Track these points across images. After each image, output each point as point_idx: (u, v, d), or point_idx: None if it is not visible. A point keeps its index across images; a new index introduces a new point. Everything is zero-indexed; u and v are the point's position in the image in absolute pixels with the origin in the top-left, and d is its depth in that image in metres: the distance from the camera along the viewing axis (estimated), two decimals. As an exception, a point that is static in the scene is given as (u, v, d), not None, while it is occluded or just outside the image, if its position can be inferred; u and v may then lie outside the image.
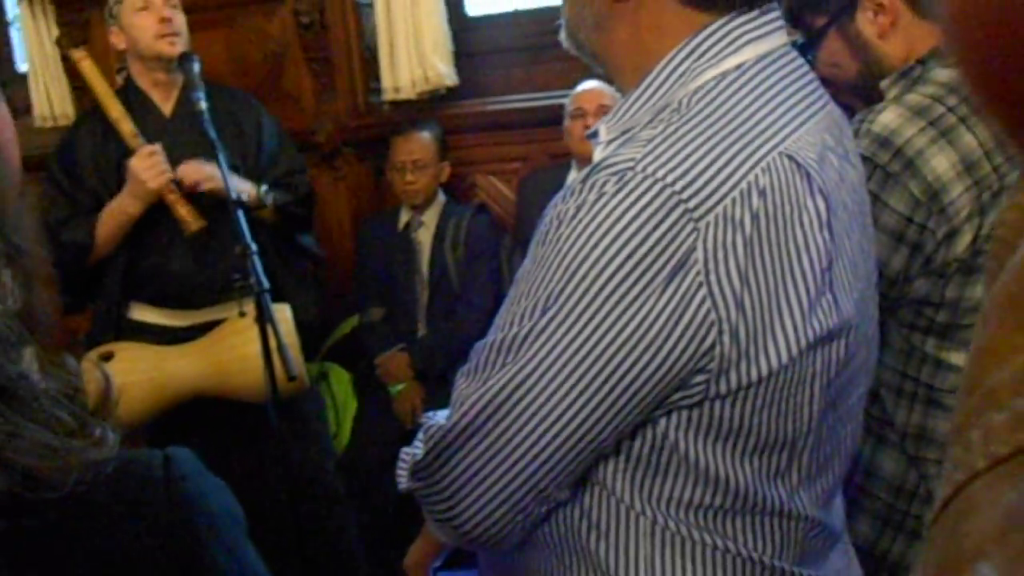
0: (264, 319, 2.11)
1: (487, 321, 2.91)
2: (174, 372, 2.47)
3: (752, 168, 0.84)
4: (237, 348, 2.42)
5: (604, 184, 0.84)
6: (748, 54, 0.90)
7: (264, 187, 2.56)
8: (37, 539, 0.52)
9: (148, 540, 0.55)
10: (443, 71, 3.13)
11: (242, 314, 2.35)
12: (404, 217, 3.05)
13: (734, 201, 0.83)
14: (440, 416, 1.00)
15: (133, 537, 0.55)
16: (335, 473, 2.79)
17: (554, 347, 0.85)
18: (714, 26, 0.90)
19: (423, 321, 3.04)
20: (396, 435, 2.93)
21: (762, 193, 0.84)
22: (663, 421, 0.89)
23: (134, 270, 2.59)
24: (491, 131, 3.22)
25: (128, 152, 2.45)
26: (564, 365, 0.85)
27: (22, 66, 3.93)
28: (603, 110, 2.73)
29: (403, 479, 1.06)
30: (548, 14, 3.14)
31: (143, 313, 2.63)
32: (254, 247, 2.15)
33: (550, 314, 0.85)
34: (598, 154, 0.95)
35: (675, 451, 0.90)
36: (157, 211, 2.47)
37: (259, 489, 2.66)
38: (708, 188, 0.82)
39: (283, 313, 2.40)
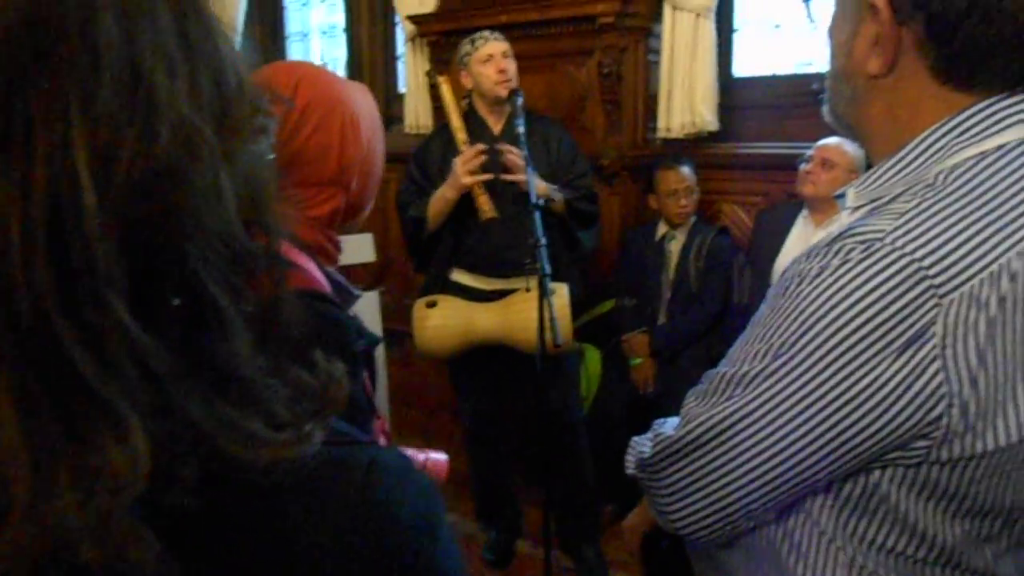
0: (543, 296, 2.25)
1: (714, 319, 3.07)
2: (478, 322, 2.71)
3: (1006, 251, 0.73)
4: (524, 312, 2.58)
5: (850, 251, 0.76)
6: (1010, 136, 0.78)
7: (556, 187, 2.68)
8: (226, 522, 0.44)
9: (333, 538, 0.46)
10: (708, 118, 3.16)
11: (527, 290, 2.53)
12: (661, 230, 3.15)
13: (982, 282, 0.72)
14: (670, 425, 0.95)
15: (318, 533, 0.46)
16: (580, 418, 2.92)
17: (780, 391, 0.79)
18: (979, 106, 0.79)
19: (664, 312, 3.13)
20: (629, 398, 3.09)
21: (1013, 277, 0.73)
22: (877, 473, 0.80)
23: (459, 245, 2.80)
24: (740, 169, 3.23)
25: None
26: (788, 410, 0.79)
27: (402, 88, 4.18)
28: (832, 163, 2.73)
29: (631, 466, 1.02)
30: (800, 79, 3.15)
31: (460, 276, 2.84)
32: (544, 240, 2.29)
33: (781, 360, 0.79)
34: (844, 218, 0.87)
35: (885, 501, 0.81)
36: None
37: (522, 416, 2.94)
38: (957, 266, 0.72)
39: (561, 290, 2.53)
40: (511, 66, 2.76)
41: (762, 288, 2.90)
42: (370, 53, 4.36)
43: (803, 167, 2.81)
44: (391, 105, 4.33)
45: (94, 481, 0.37)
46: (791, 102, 3.16)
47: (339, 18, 4.62)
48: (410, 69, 3.97)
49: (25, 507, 0.36)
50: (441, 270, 2.85)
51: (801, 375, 0.77)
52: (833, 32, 0.90)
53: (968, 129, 0.79)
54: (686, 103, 3.19)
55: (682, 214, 3.10)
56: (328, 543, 0.46)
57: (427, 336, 2.75)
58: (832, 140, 2.77)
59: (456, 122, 2.73)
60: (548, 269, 2.25)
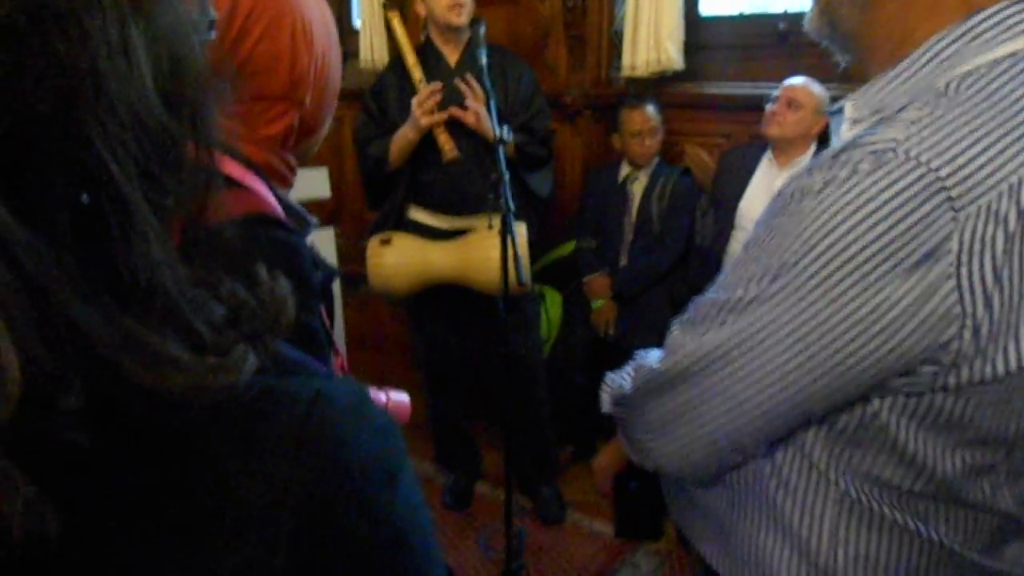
0: (505, 233, 2.17)
1: (677, 260, 3.05)
2: (434, 261, 2.64)
3: None
4: (482, 251, 2.53)
5: (859, 162, 0.69)
6: (1022, 43, 0.71)
7: (507, 128, 2.53)
8: (128, 465, 0.37)
9: (265, 485, 0.39)
10: (673, 56, 3.08)
11: (490, 227, 2.40)
12: (624, 171, 3.09)
13: (1000, 195, 0.67)
14: (652, 356, 0.89)
15: (246, 478, 0.39)
16: (540, 360, 2.89)
17: (780, 315, 0.73)
18: (991, 10, 0.72)
19: (625, 254, 3.10)
20: (589, 341, 3.06)
21: None
22: (877, 401, 0.76)
23: (416, 181, 2.71)
24: (704, 110, 3.16)
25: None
26: (788, 335, 0.73)
27: (356, 22, 4.08)
28: (798, 103, 2.67)
29: (606, 403, 0.98)
30: (766, 19, 3.09)
31: (417, 214, 2.76)
32: (507, 175, 2.20)
33: (781, 282, 0.73)
34: (845, 132, 0.81)
35: (883, 432, 0.77)
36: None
37: (483, 357, 2.89)
38: (975, 178, 0.67)
39: (520, 229, 2.44)
40: None
41: (724, 230, 2.87)
42: (323, -16, 4.15)
43: (769, 107, 2.76)
44: (346, 40, 4.10)
45: None
46: (757, 42, 3.11)
47: (291, -53, 4.40)
48: (364, 2, 3.82)
49: None
50: (396, 207, 2.78)
51: (803, 297, 0.72)
52: None
53: (980, 35, 0.73)
54: (652, 40, 3.10)
55: (646, 155, 3.04)
56: (259, 490, 0.39)
57: (382, 274, 2.67)
58: (798, 80, 2.74)
59: (411, 59, 2.63)
60: (512, 205, 2.18)
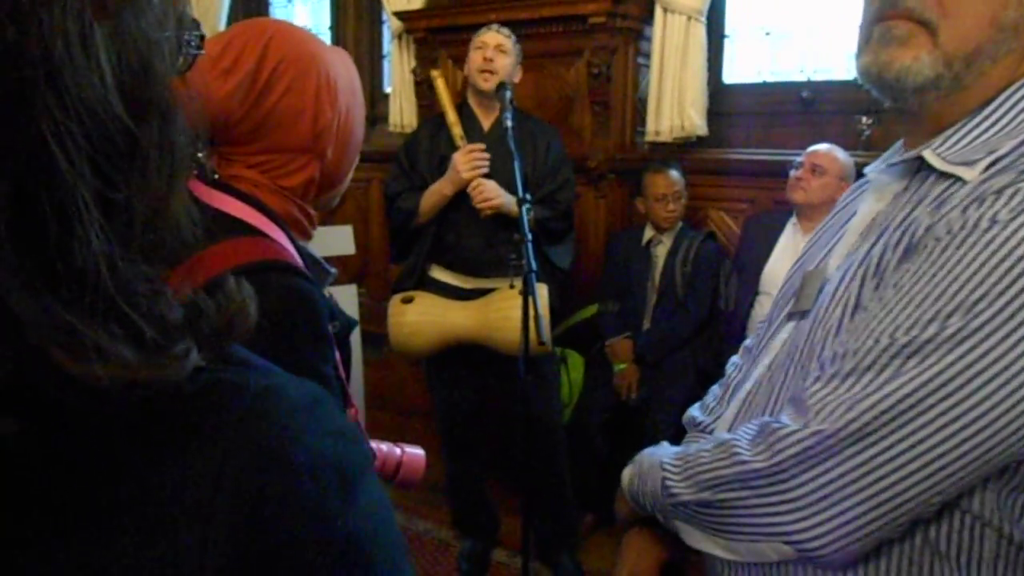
0: (528, 293, 2.14)
1: (700, 325, 3.02)
2: (455, 320, 2.62)
3: None
4: (503, 311, 2.51)
5: None
6: None
7: (527, 205, 2.50)
8: (57, 459, 0.36)
9: (197, 485, 0.37)
10: (697, 123, 3.13)
11: (511, 286, 2.43)
12: (647, 234, 3.09)
13: None
14: (779, 424, 0.78)
15: (187, 467, 0.37)
16: (560, 424, 2.84)
17: (991, 349, 0.67)
18: None
19: (648, 318, 3.07)
20: (612, 403, 3.01)
21: None
22: None
23: (439, 241, 2.72)
24: (727, 175, 3.18)
25: (454, 149, 2.61)
26: (1005, 369, 0.66)
27: (387, 88, 4.15)
28: (823, 169, 2.67)
29: (681, 489, 0.86)
30: (789, 87, 3.13)
31: (439, 274, 2.76)
32: (530, 237, 2.18)
33: (985, 316, 0.67)
34: (971, 174, 0.76)
35: None
36: (464, 198, 2.60)
37: (502, 418, 2.85)
38: None
39: (542, 290, 2.44)
40: (499, 60, 2.69)
41: (748, 295, 2.84)
42: (356, 52, 4.30)
43: (793, 173, 2.77)
44: (376, 105, 4.28)
45: None
46: (780, 109, 3.15)
47: (325, 17, 4.58)
48: (396, 67, 3.91)
49: None
50: (419, 266, 2.79)
51: (1013, 331, 0.66)
52: None
53: None
54: (675, 107, 3.15)
55: (670, 219, 3.04)
56: (194, 482, 0.37)
57: (403, 332, 2.66)
58: (822, 147, 2.75)
59: (452, 116, 2.68)
60: (535, 265, 2.17)
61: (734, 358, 1.14)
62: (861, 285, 0.80)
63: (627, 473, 1.00)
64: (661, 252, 3.08)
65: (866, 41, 0.84)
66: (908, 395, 0.69)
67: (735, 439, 0.82)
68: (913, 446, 0.69)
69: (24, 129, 0.33)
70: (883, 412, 0.70)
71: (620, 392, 3.01)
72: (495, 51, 2.68)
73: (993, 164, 0.75)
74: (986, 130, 0.77)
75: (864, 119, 2.93)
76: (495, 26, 2.76)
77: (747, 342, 1.14)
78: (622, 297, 3.13)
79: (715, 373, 2.93)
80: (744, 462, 0.79)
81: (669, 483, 0.88)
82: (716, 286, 3.04)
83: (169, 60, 0.40)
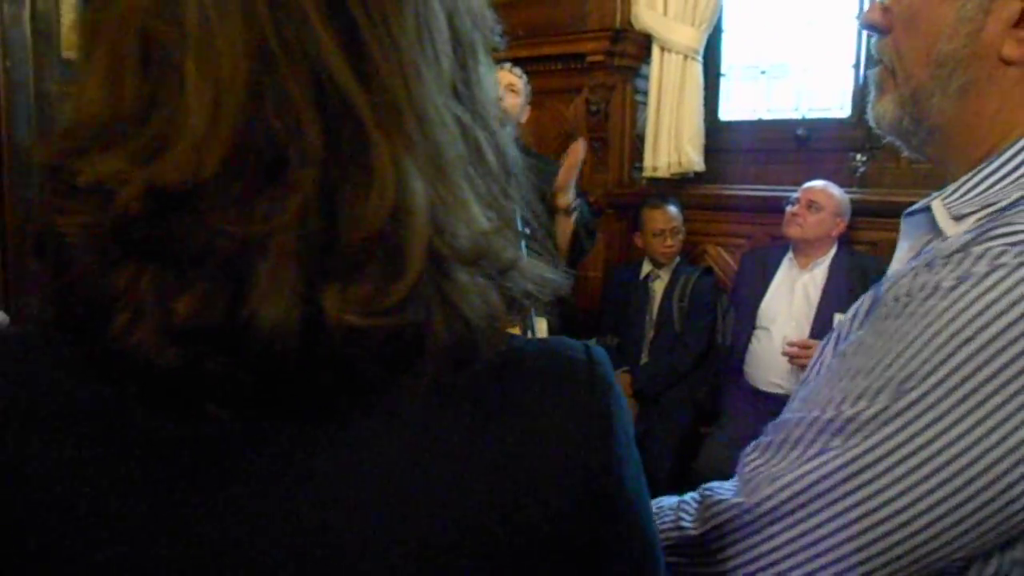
0: (526, 327, 2.14)
1: (697, 360, 3.01)
2: None
3: None
4: None
5: (1000, 255, 0.61)
6: None
7: (579, 200, 2.54)
8: (471, 391, 0.44)
9: (567, 414, 0.45)
10: (694, 159, 3.16)
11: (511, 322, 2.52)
12: (645, 269, 3.12)
13: None
14: (725, 489, 0.72)
15: (554, 408, 0.45)
16: None
17: (915, 436, 0.60)
18: None
19: (646, 352, 3.08)
20: None
21: None
22: None
23: None
24: (724, 211, 3.23)
25: None
26: (927, 459, 0.59)
27: None
28: (819, 205, 2.70)
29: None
30: (784, 125, 3.16)
31: None
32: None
33: (913, 395, 0.60)
34: (949, 229, 0.72)
35: None
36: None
37: None
38: None
39: (541, 325, 2.41)
40: (509, 99, 2.71)
41: (745, 330, 2.86)
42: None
43: (789, 209, 2.80)
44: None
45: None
46: (776, 146, 3.18)
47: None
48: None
49: None
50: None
51: (946, 413, 0.59)
52: (921, 10, 0.75)
53: None
54: (672, 143, 3.20)
55: (668, 254, 3.06)
56: (558, 416, 0.45)
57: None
58: (818, 183, 2.78)
59: None
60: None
61: None
62: (836, 346, 0.74)
63: None
64: (659, 287, 3.11)
65: None
66: (825, 476, 0.63)
67: (685, 501, 0.77)
68: (836, 529, 0.63)
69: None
70: (799, 492, 0.64)
71: (618, 426, 3.01)
72: (506, 90, 2.71)
73: (961, 219, 0.71)
74: (984, 180, 0.71)
75: (858, 156, 2.97)
76: (507, 65, 2.79)
77: None
78: (620, 331, 3.15)
79: (712, 408, 2.98)
80: (682, 528, 0.74)
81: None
82: (713, 321, 3.08)
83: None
